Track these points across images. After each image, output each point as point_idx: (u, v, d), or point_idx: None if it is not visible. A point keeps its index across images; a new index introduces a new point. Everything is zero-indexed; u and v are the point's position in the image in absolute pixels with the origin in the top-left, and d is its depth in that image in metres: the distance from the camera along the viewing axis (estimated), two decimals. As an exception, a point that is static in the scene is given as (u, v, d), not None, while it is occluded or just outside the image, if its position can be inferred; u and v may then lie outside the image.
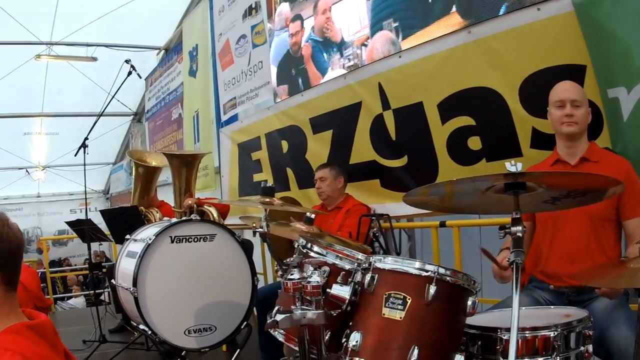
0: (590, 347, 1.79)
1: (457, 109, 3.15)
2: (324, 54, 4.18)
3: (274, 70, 4.84)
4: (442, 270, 1.77)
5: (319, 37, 4.22)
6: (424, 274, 1.77)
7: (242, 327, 3.41)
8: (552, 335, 1.71)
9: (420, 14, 3.35)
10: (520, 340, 1.69)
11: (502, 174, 1.56)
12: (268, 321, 1.89)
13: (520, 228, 1.61)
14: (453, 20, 3.13)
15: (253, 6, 5.14)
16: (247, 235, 4.71)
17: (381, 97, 3.60)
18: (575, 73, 2.66)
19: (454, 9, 3.13)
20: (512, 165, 1.57)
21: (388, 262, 1.84)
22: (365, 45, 3.77)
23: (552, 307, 2.15)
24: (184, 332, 3.23)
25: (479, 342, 1.79)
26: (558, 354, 1.71)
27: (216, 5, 5.93)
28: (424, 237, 4.31)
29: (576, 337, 1.76)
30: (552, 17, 2.71)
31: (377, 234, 3.42)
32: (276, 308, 1.94)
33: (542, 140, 2.68)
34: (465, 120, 3.11)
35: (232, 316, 3.38)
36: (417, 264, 1.80)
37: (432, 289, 1.73)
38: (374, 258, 1.89)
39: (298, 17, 4.48)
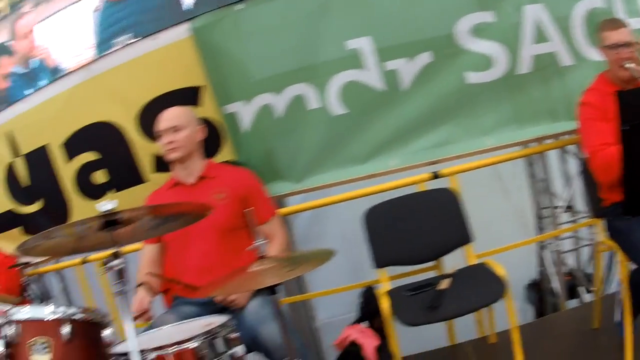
0: (240, 349, 1.93)
1: (81, 146, 3.14)
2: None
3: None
4: (71, 310, 1.88)
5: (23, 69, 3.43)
6: (56, 316, 1.85)
7: None
8: (196, 345, 1.82)
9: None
10: (170, 357, 1.81)
11: (97, 215, 1.71)
12: None
13: (119, 261, 1.77)
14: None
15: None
16: None
17: (11, 145, 3.38)
18: (191, 95, 2.88)
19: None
20: (104, 205, 1.70)
21: (25, 312, 1.88)
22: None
23: (195, 319, 2.18)
24: None
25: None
26: (209, 362, 1.85)
27: None
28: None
29: (223, 342, 1.89)
30: (171, 44, 2.88)
31: (27, 282, 3.49)
32: None
33: (166, 164, 2.77)
34: (91, 156, 3.13)
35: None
36: (49, 309, 1.87)
37: (67, 329, 1.83)
38: (12, 311, 1.90)
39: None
